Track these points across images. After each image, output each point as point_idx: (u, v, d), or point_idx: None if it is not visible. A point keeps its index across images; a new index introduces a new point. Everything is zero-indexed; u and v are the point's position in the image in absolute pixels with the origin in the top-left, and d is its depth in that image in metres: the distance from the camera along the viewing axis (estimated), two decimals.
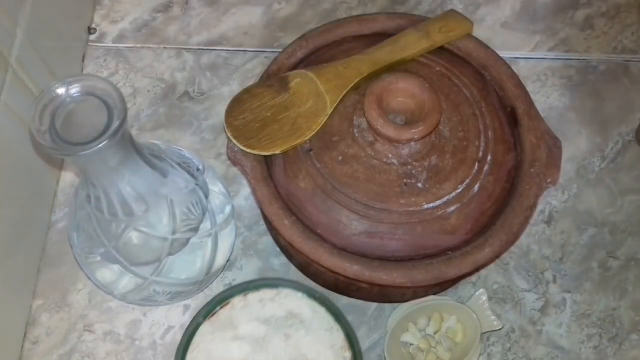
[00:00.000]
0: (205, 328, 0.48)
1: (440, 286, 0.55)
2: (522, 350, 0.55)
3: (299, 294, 0.49)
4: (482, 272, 0.57)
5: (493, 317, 0.53)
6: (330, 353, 0.48)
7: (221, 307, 0.49)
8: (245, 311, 0.49)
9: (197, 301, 0.56)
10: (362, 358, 0.47)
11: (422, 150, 0.48)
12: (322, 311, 0.49)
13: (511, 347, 0.55)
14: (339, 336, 0.48)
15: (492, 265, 0.57)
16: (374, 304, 0.56)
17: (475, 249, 0.47)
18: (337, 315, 0.48)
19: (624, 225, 0.59)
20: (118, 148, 0.40)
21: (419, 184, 0.47)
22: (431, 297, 0.54)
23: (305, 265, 0.55)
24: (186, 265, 0.51)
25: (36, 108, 0.38)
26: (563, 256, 0.58)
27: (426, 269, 0.46)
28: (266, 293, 0.49)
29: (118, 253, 0.48)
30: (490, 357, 0.54)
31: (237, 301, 0.49)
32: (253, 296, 0.49)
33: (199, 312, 0.49)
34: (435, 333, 0.53)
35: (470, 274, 0.56)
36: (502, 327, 0.54)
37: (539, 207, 0.59)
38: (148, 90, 0.65)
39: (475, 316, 0.52)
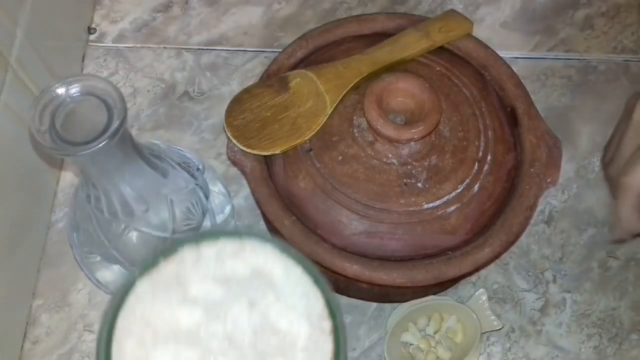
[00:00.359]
0: (143, 287, 0.37)
1: (440, 286, 0.55)
2: (522, 350, 0.55)
3: (268, 248, 0.38)
4: (482, 272, 0.57)
5: (493, 317, 0.53)
6: (306, 324, 0.37)
7: (165, 260, 0.37)
8: (198, 268, 0.38)
9: None
10: (345, 331, 0.38)
11: (422, 150, 0.48)
12: (297, 272, 0.38)
13: (511, 347, 0.55)
14: (317, 303, 0.38)
15: (492, 265, 0.57)
16: (374, 304, 0.56)
17: (475, 249, 0.47)
18: (316, 278, 0.38)
19: None
20: (118, 148, 0.40)
21: (419, 184, 0.47)
22: (431, 297, 0.54)
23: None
24: None
25: (36, 108, 0.39)
26: (563, 256, 0.58)
27: (426, 269, 0.46)
28: (226, 246, 0.38)
29: (118, 253, 0.48)
30: (490, 357, 0.54)
31: (187, 254, 0.38)
32: (209, 249, 0.38)
33: (136, 266, 0.38)
34: (435, 333, 0.54)
35: (470, 274, 0.56)
36: (502, 327, 0.54)
37: (539, 207, 0.59)
38: (148, 90, 0.65)
39: (475, 316, 0.52)
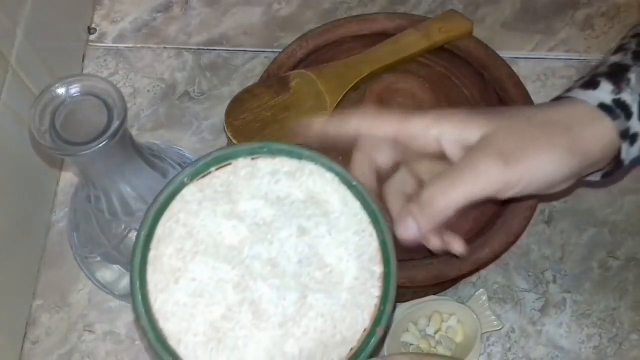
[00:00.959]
0: (191, 192, 0.35)
1: (440, 286, 0.55)
2: (522, 350, 0.55)
3: (329, 175, 0.36)
4: (482, 272, 0.57)
5: (493, 317, 0.53)
6: (355, 264, 0.35)
7: (218, 169, 0.35)
8: (251, 182, 0.35)
9: None
10: (396, 280, 0.35)
11: None
12: (356, 206, 0.36)
13: (511, 347, 0.55)
14: (371, 244, 0.35)
15: (492, 265, 0.57)
16: None
17: (475, 249, 0.47)
18: (375, 216, 0.36)
19: (624, 225, 0.59)
20: (118, 148, 0.40)
21: None
22: (431, 297, 0.54)
23: None
24: None
25: (36, 108, 0.39)
26: (563, 256, 0.58)
27: (426, 269, 0.46)
28: (284, 163, 0.36)
29: (118, 253, 0.48)
30: (490, 357, 0.54)
31: (241, 165, 0.36)
32: (265, 163, 0.36)
33: (184, 169, 0.35)
34: (435, 333, 0.53)
35: (470, 274, 0.56)
36: (502, 327, 0.54)
37: (539, 207, 0.59)
38: (148, 90, 0.65)
39: (475, 316, 0.52)
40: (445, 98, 0.50)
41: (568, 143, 0.38)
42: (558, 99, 0.41)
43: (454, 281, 0.56)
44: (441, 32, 0.53)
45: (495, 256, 0.48)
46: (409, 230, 0.38)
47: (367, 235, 0.35)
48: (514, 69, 0.53)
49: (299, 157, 0.36)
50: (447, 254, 0.47)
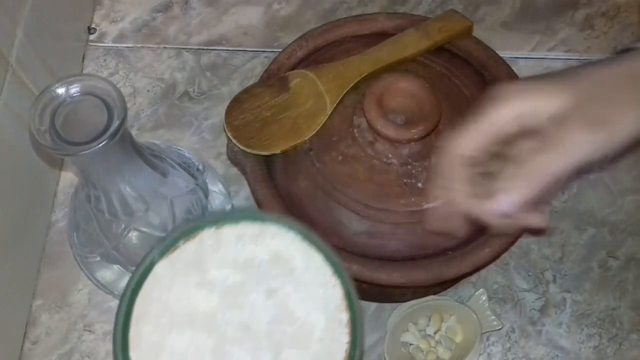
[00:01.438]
0: (162, 269, 0.37)
1: (440, 286, 0.55)
2: (522, 350, 0.55)
3: (291, 235, 0.38)
4: (482, 272, 0.57)
5: (493, 317, 0.53)
6: (323, 315, 0.37)
7: (185, 242, 0.37)
8: (218, 250, 0.38)
9: None
10: (362, 324, 0.38)
11: (422, 150, 0.48)
12: (318, 260, 0.38)
13: (511, 347, 0.55)
14: (336, 294, 0.38)
15: (492, 265, 0.57)
16: (374, 304, 0.56)
17: (475, 249, 0.47)
18: (337, 267, 0.38)
19: (624, 225, 0.59)
20: (118, 148, 0.40)
21: (419, 184, 0.47)
22: (431, 297, 0.54)
23: None
24: None
25: (36, 108, 0.39)
26: (563, 256, 0.58)
27: (426, 269, 0.46)
28: (247, 229, 0.38)
29: (118, 253, 0.48)
30: (490, 357, 0.54)
31: (207, 235, 0.37)
32: (230, 231, 0.38)
33: (155, 246, 0.37)
34: (435, 333, 0.53)
35: (470, 274, 0.56)
36: (502, 327, 0.54)
37: None
38: (148, 90, 0.65)
39: (475, 316, 0.52)
40: (445, 98, 0.50)
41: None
42: (625, 51, 0.41)
43: (454, 281, 0.56)
44: (441, 32, 0.53)
45: (495, 256, 0.48)
46: (505, 204, 0.39)
47: (332, 286, 0.37)
48: (514, 69, 0.53)
49: (262, 220, 0.38)
50: (446, 253, 0.47)
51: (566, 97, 0.38)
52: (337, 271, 0.38)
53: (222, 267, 0.37)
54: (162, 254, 0.37)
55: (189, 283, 0.37)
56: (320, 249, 0.38)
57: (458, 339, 0.53)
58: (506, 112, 0.39)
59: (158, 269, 0.37)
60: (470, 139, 0.40)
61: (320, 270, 0.38)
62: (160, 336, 0.36)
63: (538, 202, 0.40)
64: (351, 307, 0.37)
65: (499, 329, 0.53)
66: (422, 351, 0.52)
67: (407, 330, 0.53)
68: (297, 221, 0.39)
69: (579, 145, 0.38)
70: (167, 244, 0.37)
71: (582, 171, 0.40)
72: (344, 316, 0.37)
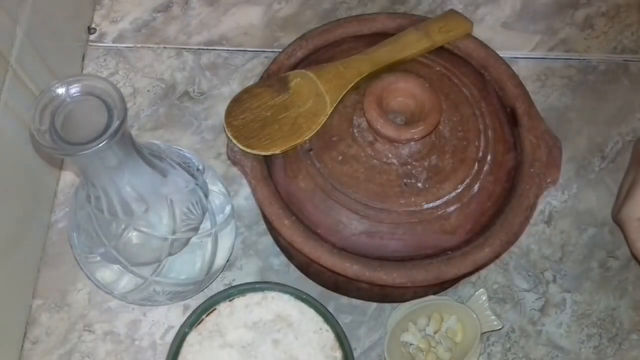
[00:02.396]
0: (192, 338, 0.48)
1: (440, 286, 0.55)
2: (522, 350, 0.55)
3: (286, 297, 0.49)
4: (482, 272, 0.57)
5: (493, 317, 0.53)
6: (321, 355, 0.48)
7: (207, 315, 0.49)
8: (232, 317, 0.49)
9: (197, 301, 0.56)
10: (353, 357, 0.48)
11: (422, 150, 0.48)
12: (310, 313, 0.49)
13: (511, 347, 0.55)
14: (328, 337, 0.49)
15: (492, 265, 0.57)
16: (374, 304, 0.56)
17: (475, 249, 0.47)
18: (326, 316, 0.48)
19: None
20: (118, 148, 0.40)
21: (419, 184, 0.47)
22: (431, 297, 0.54)
23: (306, 265, 0.55)
24: (186, 265, 0.51)
25: (36, 108, 0.38)
26: (563, 256, 0.58)
27: (426, 269, 0.46)
28: (252, 297, 0.49)
29: (118, 253, 0.48)
30: (490, 357, 0.54)
31: (223, 308, 0.49)
32: (239, 301, 0.49)
33: (184, 322, 0.49)
34: (435, 333, 0.53)
35: (470, 274, 0.56)
36: (502, 327, 0.54)
37: (539, 207, 0.59)
38: (148, 90, 0.65)
39: (475, 316, 0.52)
40: (445, 98, 0.50)
41: None
42: None
43: (454, 281, 0.56)
44: (441, 32, 0.53)
45: (495, 256, 0.48)
46: None
47: (324, 331, 0.48)
48: (514, 69, 0.53)
49: (262, 290, 0.49)
50: (445, 253, 0.47)
51: None
52: (327, 319, 0.48)
53: (237, 329, 0.48)
54: (191, 326, 0.48)
55: (214, 346, 0.48)
56: (311, 304, 0.49)
57: (458, 339, 0.53)
58: None
59: (189, 338, 0.48)
60: None
61: (313, 320, 0.49)
62: None
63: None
64: (342, 346, 0.48)
65: (499, 329, 0.53)
66: (422, 351, 0.52)
67: (407, 330, 0.53)
68: (290, 286, 0.49)
69: None
70: (193, 319, 0.48)
71: None
72: (338, 354, 0.48)
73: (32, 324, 0.56)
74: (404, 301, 0.54)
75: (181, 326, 0.48)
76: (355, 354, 0.54)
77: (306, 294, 0.49)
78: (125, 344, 0.55)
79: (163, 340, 0.55)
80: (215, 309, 0.49)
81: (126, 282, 0.50)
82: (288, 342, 0.48)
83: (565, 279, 0.57)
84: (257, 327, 0.48)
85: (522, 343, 0.55)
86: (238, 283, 0.52)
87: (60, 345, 0.55)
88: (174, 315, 0.56)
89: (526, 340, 0.55)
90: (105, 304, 0.56)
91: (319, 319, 0.49)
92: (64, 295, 0.57)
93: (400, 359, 0.52)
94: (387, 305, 0.56)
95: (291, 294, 0.49)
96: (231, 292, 0.49)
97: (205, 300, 0.49)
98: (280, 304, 0.49)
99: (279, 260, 0.58)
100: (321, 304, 0.49)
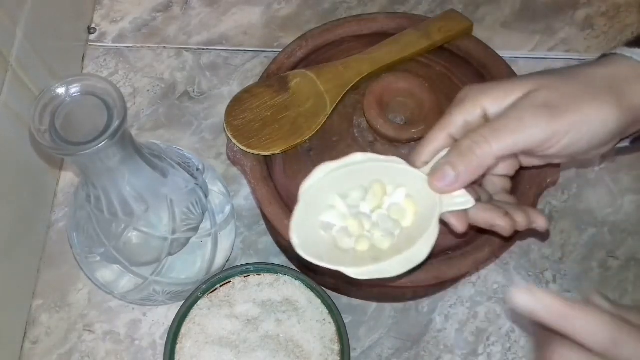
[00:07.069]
0: (203, 303, 0.50)
1: (440, 286, 0.55)
2: (522, 350, 0.55)
3: (297, 283, 0.50)
4: (482, 272, 0.57)
5: (459, 191, 0.39)
6: (319, 344, 0.48)
7: (222, 285, 0.51)
8: (244, 292, 0.50)
9: None
10: (350, 354, 0.48)
11: None
12: (317, 303, 0.50)
13: (511, 347, 0.55)
14: (330, 329, 0.49)
15: (492, 265, 0.57)
16: (374, 304, 0.56)
17: (475, 249, 0.47)
18: (332, 309, 0.49)
19: (624, 225, 0.59)
20: (118, 148, 0.40)
21: None
22: (369, 154, 0.40)
23: (305, 265, 0.55)
24: (186, 265, 0.51)
25: (36, 108, 0.39)
26: (563, 256, 0.58)
27: (426, 269, 0.46)
28: (266, 277, 0.51)
29: (118, 253, 0.48)
30: (490, 357, 0.54)
31: (237, 281, 0.51)
32: (254, 279, 0.51)
33: (199, 287, 0.50)
34: (372, 212, 0.39)
35: (470, 273, 0.56)
36: (473, 205, 0.39)
37: (539, 207, 0.59)
38: (148, 90, 0.65)
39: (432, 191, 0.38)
40: (445, 98, 0.50)
41: (613, 99, 0.37)
42: (603, 57, 0.41)
43: (454, 281, 0.56)
44: (441, 32, 0.53)
45: (495, 256, 0.48)
46: (446, 178, 0.38)
47: (327, 323, 0.49)
48: (514, 69, 0.53)
49: (276, 272, 0.51)
50: (446, 253, 0.47)
51: (531, 86, 0.38)
52: (332, 312, 0.49)
53: (246, 303, 0.50)
54: (204, 292, 0.50)
55: (221, 314, 0.49)
56: (320, 295, 0.50)
57: (406, 222, 0.39)
58: (472, 109, 0.39)
59: (201, 302, 0.50)
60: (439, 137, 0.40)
61: (318, 310, 0.50)
62: (197, 350, 0.49)
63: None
64: (342, 340, 0.48)
65: (467, 209, 0.39)
66: (351, 236, 0.38)
67: (333, 206, 0.39)
68: (304, 275, 0.50)
69: (531, 123, 0.36)
70: (208, 286, 0.50)
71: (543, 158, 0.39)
72: (336, 347, 0.49)
73: (32, 324, 0.56)
74: (404, 301, 0.54)
75: (194, 290, 0.50)
76: (355, 353, 0.54)
77: (317, 284, 0.50)
78: (125, 343, 0.55)
79: (163, 340, 0.55)
80: (230, 282, 0.51)
81: (126, 282, 0.50)
82: (290, 324, 0.49)
83: (565, 279, 0.57)
84: (265, 306, 0.50)
85: (522, 343, 0.55)
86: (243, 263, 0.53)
87: (60, 345, 0.55)
88: (173, 315, 0.56)
89: (526, 340, 0.55)
90: (105, 304, 0.56)
91: (324, 310, 0.50)
92: (64, 295, 0.57)
93: (314, 245, 0.38)
94: (387, 305, 0.56)
95: (302, 281, 0.50)
96: (248, 268, 0.51)
97: (221, 272, 0.51)
98: (291, 288, 0.50)
99: (279, 260, 0.58)
100: (329, 297, 0.49)
